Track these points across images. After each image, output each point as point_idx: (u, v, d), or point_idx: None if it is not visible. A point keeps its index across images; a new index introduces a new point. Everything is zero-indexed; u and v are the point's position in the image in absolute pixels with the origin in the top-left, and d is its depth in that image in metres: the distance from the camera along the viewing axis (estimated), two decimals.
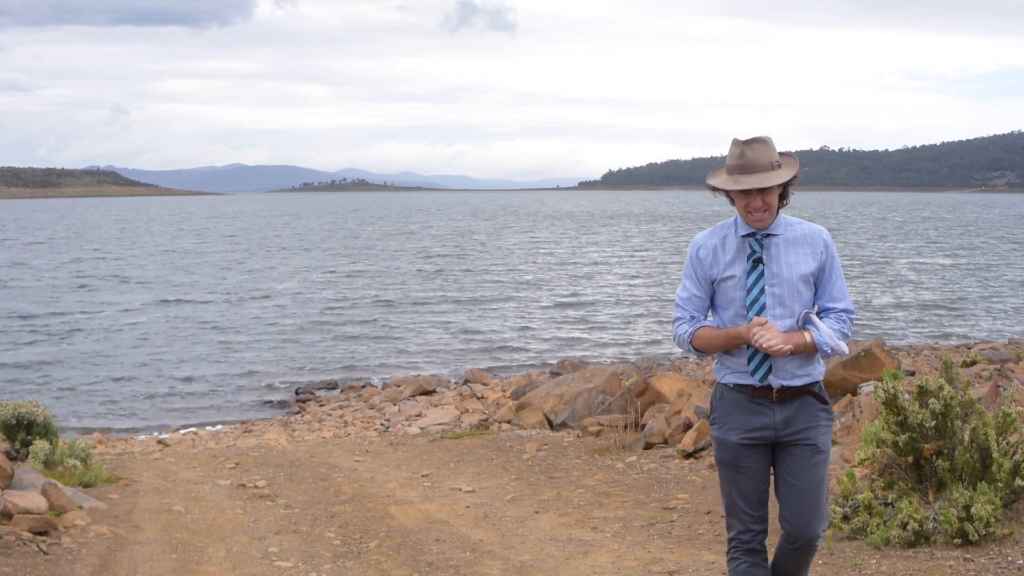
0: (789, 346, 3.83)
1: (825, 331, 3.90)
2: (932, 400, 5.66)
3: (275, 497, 8.49)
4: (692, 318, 4.03)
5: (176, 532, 7.23)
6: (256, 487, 8.91)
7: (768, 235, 3.94)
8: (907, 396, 5.87)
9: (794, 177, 3.89)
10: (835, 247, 4.00)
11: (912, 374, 11.82)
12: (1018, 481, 5.48)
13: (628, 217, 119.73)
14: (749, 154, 3.85)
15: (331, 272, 46.71)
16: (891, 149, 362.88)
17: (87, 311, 32.70)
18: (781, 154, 3.92)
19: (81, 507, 7.56)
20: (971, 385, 6.34)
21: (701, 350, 4.03)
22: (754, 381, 3.94)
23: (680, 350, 21.56)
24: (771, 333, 3.84)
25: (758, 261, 3.92)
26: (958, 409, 5.68)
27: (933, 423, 5.65)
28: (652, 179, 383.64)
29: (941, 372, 8.12)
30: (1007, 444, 5.61)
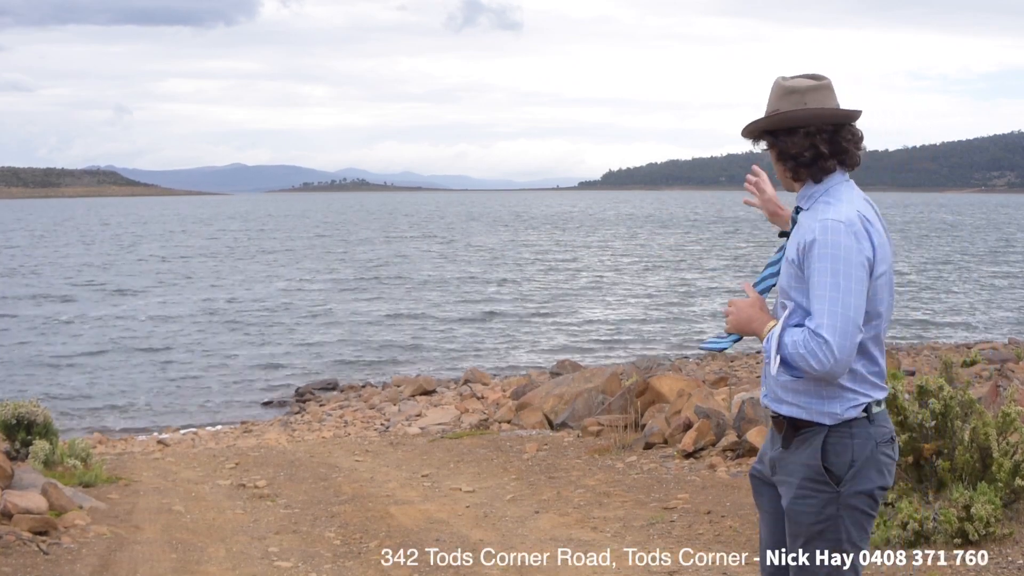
0: (733, 310, 3.07)
1: (777, 333, 2.92)
2: (932, 400, 5.66)
3: (275, 497, 8.49)
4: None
5: (176, 532, 7.23)
6: (256, 487, 8.91)
7: (799, 208, 3.09)
8: (907, 396, 5.87)
9: (779, 133, 3.00)
10: (831, 248, 2.87)
11: (912, 374, 11.82)
12: (1018, 481, 5.49)
13: (636, 220, 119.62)
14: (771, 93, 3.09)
15: (331, 274, 46.71)
16: (891, 149, 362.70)
17: (87, 313, 32.70)
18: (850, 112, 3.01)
19: (81, 507, 7.56)
20: (971, 385, 6.35)
21: None
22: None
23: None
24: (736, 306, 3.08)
25: (784, 236, 3.22)
26: (958, 409, 5.68)
27: (933, 423, 5.65)
28: (652, 179, 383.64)
29: (941, 372, 8.12)
30: (1007, 444, 5.62)
